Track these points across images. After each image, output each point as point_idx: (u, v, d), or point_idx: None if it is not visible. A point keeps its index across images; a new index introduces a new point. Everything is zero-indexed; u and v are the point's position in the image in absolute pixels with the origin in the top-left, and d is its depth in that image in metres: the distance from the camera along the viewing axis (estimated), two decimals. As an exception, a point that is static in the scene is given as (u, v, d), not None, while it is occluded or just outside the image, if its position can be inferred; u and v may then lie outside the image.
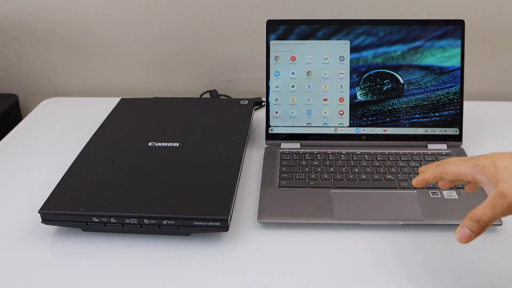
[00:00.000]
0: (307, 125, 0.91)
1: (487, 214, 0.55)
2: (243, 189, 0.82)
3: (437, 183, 0.65)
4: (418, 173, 0.81)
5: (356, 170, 0.83)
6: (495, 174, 0.55)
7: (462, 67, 0.89)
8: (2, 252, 0.70)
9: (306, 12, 1.09)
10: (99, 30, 1.16)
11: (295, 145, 0.91)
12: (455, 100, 0.89)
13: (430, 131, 0.90)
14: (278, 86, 0.91)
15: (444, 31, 0.88)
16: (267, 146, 0.92)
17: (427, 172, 0.62)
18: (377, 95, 0.90)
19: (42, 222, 0.72)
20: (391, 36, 0.89)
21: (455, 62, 0.89)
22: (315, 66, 0.90)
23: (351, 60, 0.90)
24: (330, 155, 0.87)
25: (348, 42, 0.89)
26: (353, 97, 0.90)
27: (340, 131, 0.91)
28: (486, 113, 1.03)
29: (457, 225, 0.71)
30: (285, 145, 0.91)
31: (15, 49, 1.20)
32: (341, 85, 0.90)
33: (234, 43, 1.15)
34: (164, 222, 0.70)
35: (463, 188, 0.78)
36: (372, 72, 0.90)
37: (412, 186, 0.78)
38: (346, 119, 0.91)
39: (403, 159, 0.86)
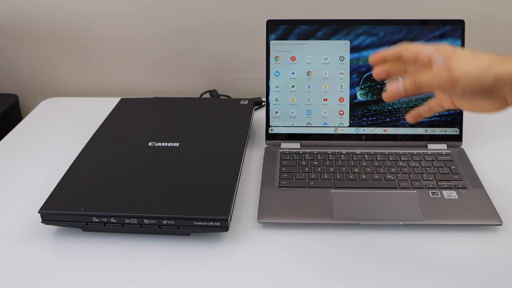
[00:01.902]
0: (307, 125, 0.91)
1: (427, 78, 0.56)
2: (243, 189, 0.82)
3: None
4: (418, 173, 0.82)
5: (356, 170, 0.83)
6: (451, 55, 0.56)
7: (462, 67, 0.89)
8: (2, 252, 0.70)
9: (306, 12, 1.09)
10: (99, 30, 1.16)
11: (295, 145, 0.91)
12: (455, 100, 0.89)
13: (430, 131, 0.90)
14: (278, 86, 0.91)
15: (444, 31, 0.88)
16: (267, 146, 0.92)
17: (388, 50, 0.62)
18: (377, 95, 0.90)
19: (42, 222, 0.72)
20: (391, 36, 0.89)
21: (455, 62, 0.89)
22: (315, 66, 0.90)
23: (351, 60, 0.90)
24: (330, 155, 0.87)
25: (348, 42, 0.89)
26: (353, 97, 0.90)
27: (340, 131, 0.91)
28: (486, 113, 1.03)
29: (457, 225, 0.72)
30: (285, 145, 0.91)
31: (15, 49, 1.20)
32: (341, 85, 0.90)
33: (234, 43, 1.15)
34: (164, 222, 0.70)
35: (463, 188, 0.78)
36: (372, 72, 0.90)
37: (412, 186, 0.79)
38: (346, 119, 0.91)
39: (403, 159, 0.86)
